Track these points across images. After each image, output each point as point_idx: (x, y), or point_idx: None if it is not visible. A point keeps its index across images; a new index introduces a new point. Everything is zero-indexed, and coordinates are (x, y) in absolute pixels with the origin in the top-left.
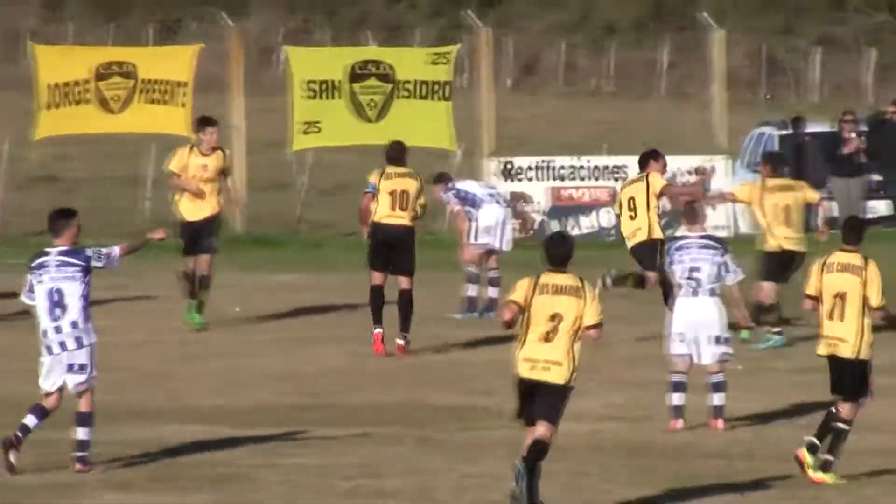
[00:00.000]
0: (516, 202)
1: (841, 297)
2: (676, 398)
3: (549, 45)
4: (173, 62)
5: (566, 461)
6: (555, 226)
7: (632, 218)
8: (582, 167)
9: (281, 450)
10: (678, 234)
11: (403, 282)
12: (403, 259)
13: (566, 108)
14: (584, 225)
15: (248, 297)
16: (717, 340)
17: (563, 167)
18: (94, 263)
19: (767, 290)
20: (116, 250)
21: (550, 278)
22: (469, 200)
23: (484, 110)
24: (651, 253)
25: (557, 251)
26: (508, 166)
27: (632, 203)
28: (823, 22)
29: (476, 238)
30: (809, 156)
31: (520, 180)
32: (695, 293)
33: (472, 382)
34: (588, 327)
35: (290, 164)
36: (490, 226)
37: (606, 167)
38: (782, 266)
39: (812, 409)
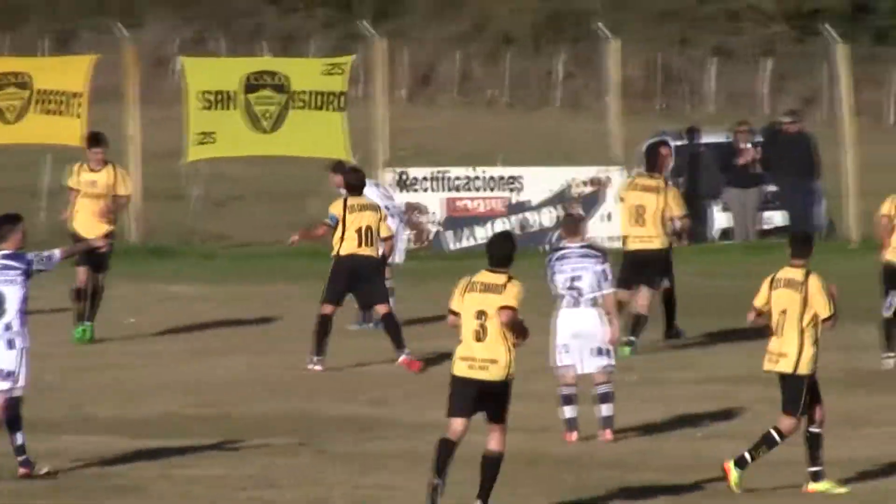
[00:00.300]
0: (411, 213)
1: (784, 313)
2: (568, 411)
3: (444, 55)
4: (68, 73)
5: (465, 471)
6: (450, 237)
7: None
8: (477, 178)
9: (177, 461)
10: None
11: (382, 308)
12: (376, 289)
13: (461, 118)
14: (479, 236)
15: (142, 307)
16: (600, 352)
17: (458, 178)
18: (36, 267)
19: (634, 298)
20: (57, 253)
21: (483, 277)
22: None
23: (379, 121)
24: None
25: (496, 251)
26: (403, 177)
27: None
28: (719, 33)
29: None
30: (704, 166)
31: (415, 191)
32: (576, 303)
33: (367, 393)
34: (500, 308)
35: (185, 174)
36: None
37: (502, 178)
38: (634, 269)
39: (708, 419)
